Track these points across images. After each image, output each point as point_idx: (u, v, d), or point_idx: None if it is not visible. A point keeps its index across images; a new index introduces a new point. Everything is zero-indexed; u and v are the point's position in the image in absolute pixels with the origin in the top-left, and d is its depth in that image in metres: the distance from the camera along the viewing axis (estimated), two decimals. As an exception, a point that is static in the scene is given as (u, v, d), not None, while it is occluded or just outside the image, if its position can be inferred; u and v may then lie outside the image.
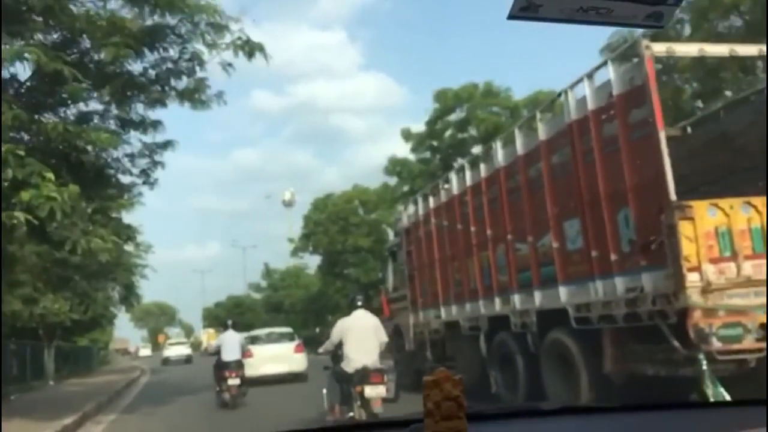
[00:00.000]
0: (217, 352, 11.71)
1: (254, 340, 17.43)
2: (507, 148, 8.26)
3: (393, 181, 27.95)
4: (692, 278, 5.32)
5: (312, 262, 41.72)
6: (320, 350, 7.58)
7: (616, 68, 5.97)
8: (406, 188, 25.76)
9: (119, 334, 75.61)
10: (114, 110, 11.48)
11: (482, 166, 8.95)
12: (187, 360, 36.56)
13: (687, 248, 5.33)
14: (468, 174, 9.42)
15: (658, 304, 5.60)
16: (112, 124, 11.59)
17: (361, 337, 6.65)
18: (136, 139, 12.07)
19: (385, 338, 6.96)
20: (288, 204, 61.35)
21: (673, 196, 5.38)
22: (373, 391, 6.27)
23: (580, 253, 6.72)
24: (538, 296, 7.58)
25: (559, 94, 6.97)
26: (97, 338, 38.07)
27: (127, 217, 12.56)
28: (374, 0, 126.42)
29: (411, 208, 12.57)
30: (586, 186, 6.47)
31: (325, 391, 7.19)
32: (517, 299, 8.08)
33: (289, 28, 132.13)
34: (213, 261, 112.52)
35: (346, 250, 32.41)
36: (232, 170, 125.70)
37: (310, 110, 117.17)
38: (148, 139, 12.13)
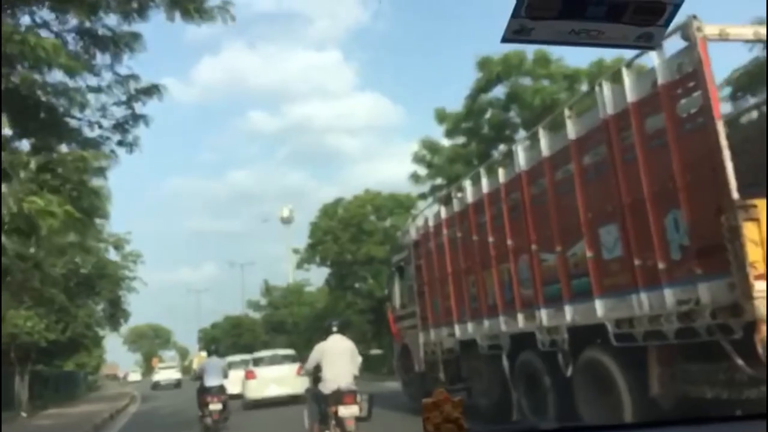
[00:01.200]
0: (200, 377, 11.69)
1: (257, 362, 17.76)
2: (530, 150, 7.65)
3: (422, 171, 22.01)
4: (760, 287, 4.66)
5: (316, 277, 39.94)
6: (300, 373, 8.67)
7: (661, 54, 5.37)
8: (438, 180, 20.84)
9: (112, 359, 74.21)
10: (72, 20, 8.41)
11: (501, 171, 8.33)
12: (177, 384, 36.32)
13: (753, 253, 4.68)
14: (485, 180, 8.81)
15: (718, 318, 4.94)
16: (71, 44, 8.44)
17: (337, 360, 7.18)
18: (106, 69, 9.00)
19: (359, 360, 7.59)
20: (286, 221, 60.60)
21: (735, 194, 4.75)
22: (347, 411, 6.81)
23: (619, 262, 6.06)
24: (569, 311, 6.91)
25: (592, 88, 6.37)
26: (85, 362, 35.65)
27: (117, 225, 10.57)
28: (369, 20, 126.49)
29: (420, 220, 11.95)
30: (626, 187, 5.83)
31: (305, 411, 7.73)
32: (544, 315, 7.41)
33: (284, 49, 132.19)
34: (209, 282, 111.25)
35: (358, 260, 29.15)
36: (227, 191, 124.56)
37: (305, 130, 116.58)
38: (124, 70, 9.06)
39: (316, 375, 7.29)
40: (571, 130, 6.63)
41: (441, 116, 20.44)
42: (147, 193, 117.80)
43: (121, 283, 24.53)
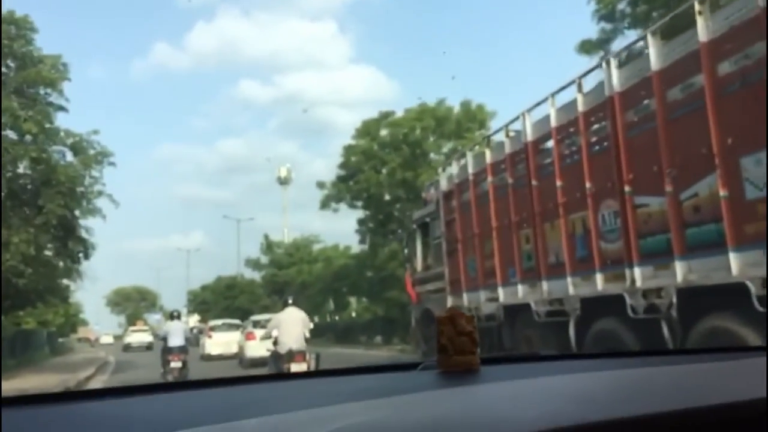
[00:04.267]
0: (165, 338, 12.87)
1: (256, 324, 18.52)
2: (629, 65, 6.05)
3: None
4: None
5: (329, 233, 35.57)
6: (260, 336, 10.60)
7: None
8: (610, 25, 14.87)
9: (93, 321, 72.36)
10: None
11: (580, 98, 6.73)
12: (149, 347, 36.01)
13: None
14: (553, 112, 7.22)
15: None
16: None
17: (291, 327, 8.74)
18: None
19: (310, 326, 9.13)
20: (284, 182, 58.60)
21: None
22: (297, 367, 8.16)
23: (775, 201, 4.55)
24: (680, 268, 5.42)
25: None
26: (47, 320, 29.40)
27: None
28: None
29: (452, 169, 10.36)
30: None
31: (267, 369, 9.21)
32: (638, 274, 5.92)
33: (278, 19, 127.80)
34: (200, 245, 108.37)
35: (403, 197, 21.61)
36: (218, 159, 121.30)
37: (298, 101, 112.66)
38: None
39: (276, 339, 8.73)
40: (703, 30, 5.03)
41: None
42: (137, 159, 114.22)
43: (79, 197, 16.26)
